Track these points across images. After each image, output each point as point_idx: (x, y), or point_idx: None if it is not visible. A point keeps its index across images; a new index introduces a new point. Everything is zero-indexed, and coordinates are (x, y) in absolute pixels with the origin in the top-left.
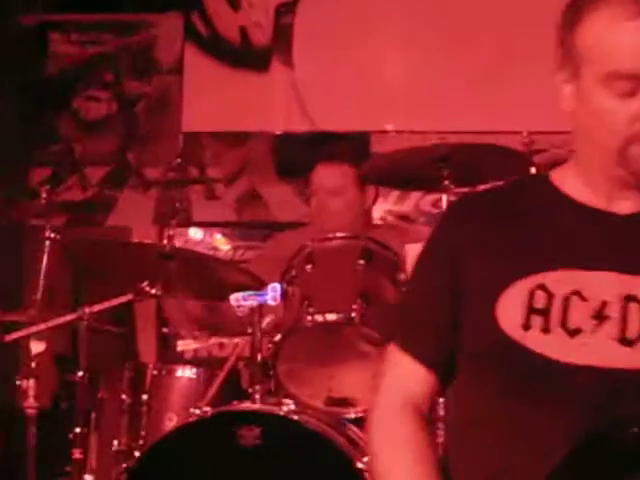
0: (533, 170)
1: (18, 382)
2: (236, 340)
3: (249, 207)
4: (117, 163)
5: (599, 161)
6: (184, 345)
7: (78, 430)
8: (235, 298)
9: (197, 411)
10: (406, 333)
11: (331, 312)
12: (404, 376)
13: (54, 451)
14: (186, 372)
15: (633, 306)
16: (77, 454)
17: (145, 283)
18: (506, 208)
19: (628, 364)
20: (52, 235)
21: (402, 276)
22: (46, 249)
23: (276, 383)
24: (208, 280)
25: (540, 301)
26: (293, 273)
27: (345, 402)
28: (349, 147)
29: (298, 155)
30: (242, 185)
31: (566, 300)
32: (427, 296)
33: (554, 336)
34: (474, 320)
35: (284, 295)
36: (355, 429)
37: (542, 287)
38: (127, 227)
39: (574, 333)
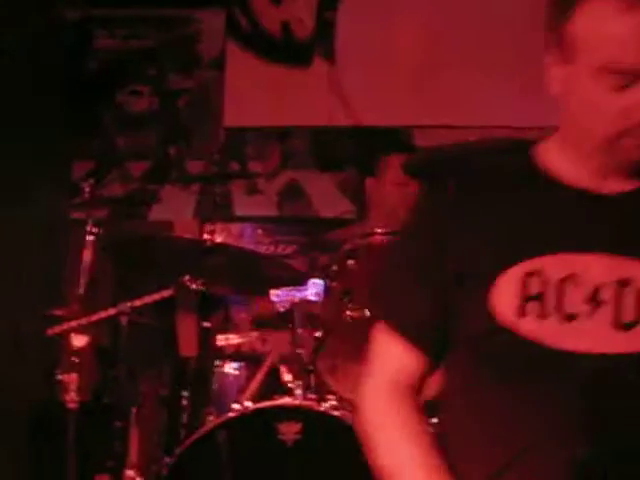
0: None
1: (60, 376)
2: (277, 335)
3: (290, 202)
4: (159, 157)
5: (586, 145)
6: (225, 340)
7: (119, 424)
8: (276, 293)
9: (238, 406)
10: (396, 314)
11: None
12: (396, 357)
13: (95, 445)
14: (227, 367)
15: (627, 290)
16: (118, 448)
17: (186, 278)
18: (492, 188)
19: (624, 348)
20: (94, 229)
21: None
22: (88, 243)
23: (317, 378)
24: (249, 275)
25: (535, 287)
26: (334, 268)
27: None
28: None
29: (339, 149)
30: (283, 179)
31: (560, 285)
32: (416, 278)
33: (549, 322)
34: (469, 306)
35: (326, 290)
36: None
37: (536, 272)
38: (169, 221)
39: (569, 318)
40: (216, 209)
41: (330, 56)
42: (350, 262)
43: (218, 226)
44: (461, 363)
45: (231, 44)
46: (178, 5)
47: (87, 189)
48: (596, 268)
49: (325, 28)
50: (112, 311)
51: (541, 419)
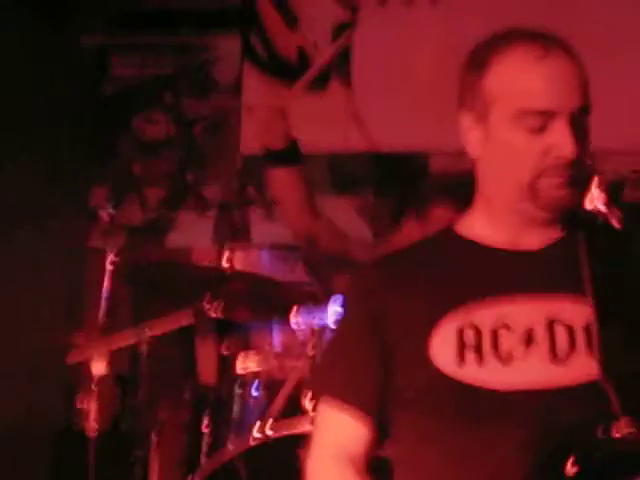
0: None
1: (79, 404)
2: (297, 361)
3: None
4: (175, 184)
5: (508, 199)
6: (244, 366)
7: (139, 452)
8: (296, 320)
9: (259, 434)
10: (339, 383)
11: None
12: (339, 430)
13: (115, 473)
14: (247, 393)
15: (558, 327)
16: (138, 476)
17: (205, 304)
18: (421, 264)
19: (562, 382)
20: (114, 257)
21: None
22: (108, 272)
23: None
24: (269, 301)
25: (470, 337)
26: None
27: None
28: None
29: (356, 173)
30: None
31: (494, 332)
32: (357, 350)
33: (488, 367)
34: (408, 366)
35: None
36: None
37: (469, 324)
38: (186, 248)
39: (507, 361)
40: (233, 235)
41: (347, 81)
42: None
43: (236, 252)
44: (407, 420)
45: (247, 68)
46: (193, 31)
47: (105, 216)
48: (525, 313)
49: (341, 52)
50: (132, 338)
51: (493, 459)
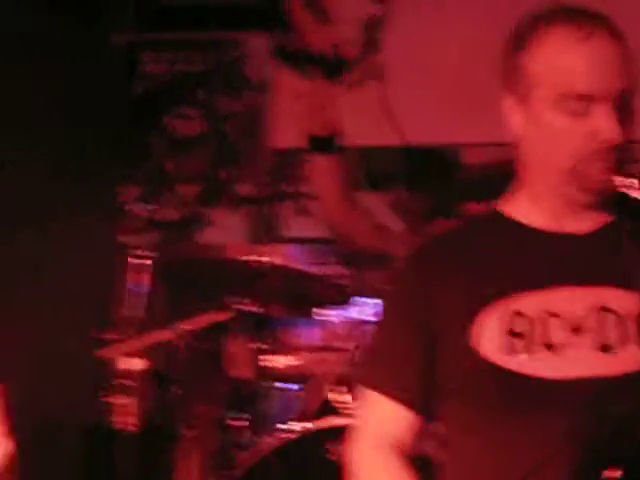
0: None
1: (111, 399)
2: (333, 356)
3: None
4: (208, 180)
5: (551, 183)
6: (277, 361)
7: (175, 447)
8: (332, 315)
9: (295, 427)
10: (384, 377)
11: None
12: (385, 419)
13: (151, 469)
14: (282, 388)
15: (607, 315)
16: (175, 471)
17: (241, 300)
18: (464, 248)
19: (612, 372)
20: (151, 254)
21: None
22: (145, 267)
23: None
24: (303, 296)
25: (517, 324)
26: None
27: None
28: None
29: (389, 168)
30: None
31: (542, 320)
32: (401, 342)
33: (538, 356)
34: (452, 354)
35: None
36: None
37: (516, 311)
38: (221, 244)
39: (555, 350)
40: (267, 231)
41: (379, 75)
42: None
43: (269, 247)
44: (451, 410)
45: (278, 65)
46: (223, 28)
47: (140, 213)
48: (574, 300)
49: (373, 47)
50: (168, 334)
51: (535, 450)
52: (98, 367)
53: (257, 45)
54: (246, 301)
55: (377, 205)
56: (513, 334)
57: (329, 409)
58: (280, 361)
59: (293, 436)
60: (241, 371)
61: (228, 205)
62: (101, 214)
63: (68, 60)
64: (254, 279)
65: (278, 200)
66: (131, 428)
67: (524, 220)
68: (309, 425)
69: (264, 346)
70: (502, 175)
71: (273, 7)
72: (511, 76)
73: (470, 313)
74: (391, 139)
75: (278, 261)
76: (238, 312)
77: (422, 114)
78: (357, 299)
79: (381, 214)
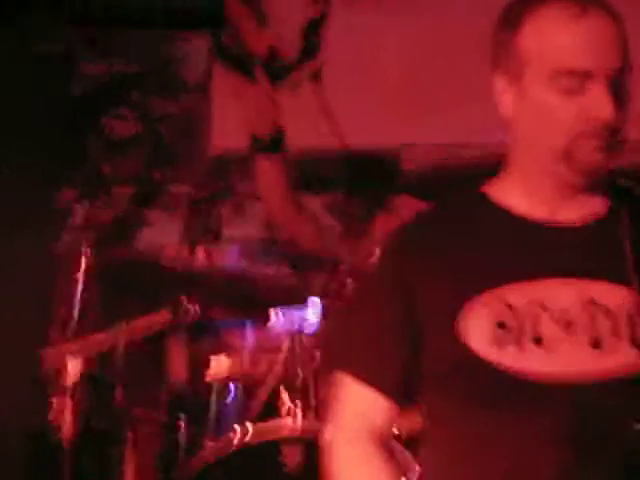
0: None
1: (53, 403)
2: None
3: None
4: (144, 182)
5: (543, 164)
6: (217, 367)
7: (115, 450)
8: (275, 314)
9: (239, 432)
10: (361, 363)
11: None
12: (362, 406)
13: (89, 473)
14: (224, 390)
15: (598, 310)
16: (114, 475)
17: (183, 302)
18: (448, 234)
19: (602, 371)
20: (87, 255)
21: None
22: (81, 269)
23: (317, 400)
24: (246, 297)
25: (505, 318)
26: (334, 288)
27: None
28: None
29: (326, 170)
30: None
31: (530, 312)
32: (380, 326)
33: (527, 350)
34: (437, 344)
35: (324, 310)
36: (399, 447)
37: (504, 304)
38: (157, 246)
39: (546, 344)
40: (204, 233)
41: (317, 78)
42: (349, 281)
43: (209, 249)
44: (437, 399)
45: (218, 67)
46: (162, 29)
47: (77, 214)
48: (562, 293)
49: (312, 50)
50: (108, 339)
51: (522, 446)
52: (40, 370)
53: (196, 46)
54: (187, 303)
55: (314, 208)
56: (501, 327)
57: (272, 411)
58: (220, 366)
59: (238, 439)
60: (180, 375)
61: (164, 207)
62: (39, 216)
63: (3, 62)
64: (195, 281)
65: (216, 201)
66: (70, 432)
67: (514, 207)
68: (254, 434)
69: (205, 348)
70: (440, 175)
71: (213, 8)
72: (502, 55)
73: (456, 303)
74: (329, 141)
75: (219, 263)
76: (179, 314)
77: (361, 116)
78: (302, 302)
79: (319, 216)
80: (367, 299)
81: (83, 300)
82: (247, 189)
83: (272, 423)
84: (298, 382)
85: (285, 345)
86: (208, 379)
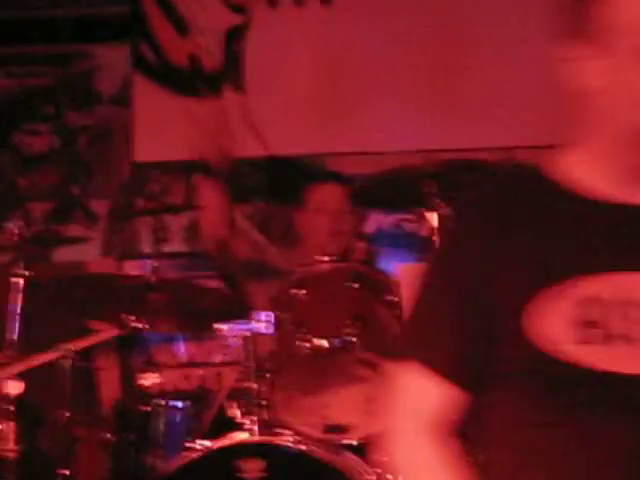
0: None
1: None
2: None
3: (198, 236)
4: (61, 197)
5: (622, 146)
6: (146, 379)
7: (59, 472)
8: (226, 328)
9: (195, 446)
10: (429, 351)
11: (326, 337)
12: (431, 396)
13: None
14: (169, 406)
15: None
16: None
17: (129, 316)
18: (518, 213)
19: None
20: (24, 272)
21: (392, 297)
22: (17, 286)
23: (271, 413)
24: (194, 310)
25: (591, 313)
26: (284, 299)
27: (342, 429)
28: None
29: (248, 180)
30: (191, 215)
31: (617, 307)
32: (450, 311)
33: (614, 348)
34: (506, 337)
35: (276, 322)
36: (354, 457)
37: (588, 297)
38: (80, 261)
39: (634, 342)
40: (125, 247)
41: (240, 87)
42: (300, 292)
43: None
44: (507, 395)
45: (138, 77)
46: (76, 41)
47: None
48: None
49: (234, 59)
50: (53, 355)
51: (601, 449)
52: None
53: (111, 57)
54: (130, 318)
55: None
56: (584, 322)
57: (226, 425)
58: (154, 380)
59: (201, 454)
60: (115, 391)
61: (82, 222)
62: None
63: None
64: (143, 295)
65: (134, 216)
66: (10, 454)
67: (589, 188)
68: (213, 442)
69: (147, 364)
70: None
71: (132, 18)
72: (584, 22)
73: (530, 292)
74: (252, 150)
75: (165, 275)
76: (127, 329)
77: (285, 125)
78: (254, 312)
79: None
80: (433, 284)
81: (22, 318)
82: (167, 202)
83: (227, 438)
84: (250, 396)
85: (235, 358)
86: (146, 391)
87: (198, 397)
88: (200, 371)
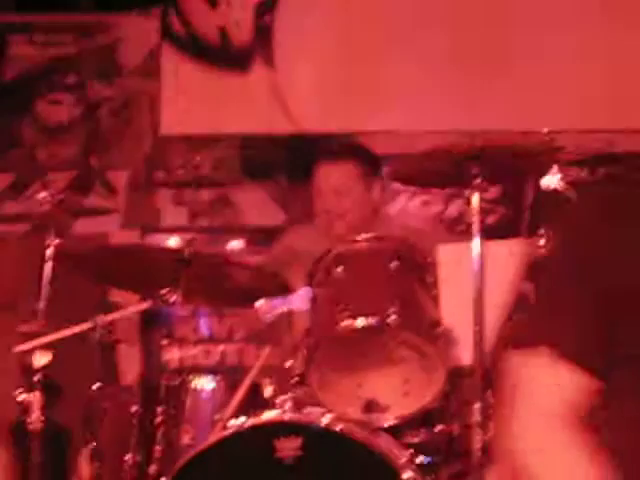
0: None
1: (21, 395)
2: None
3: (219, 211)
4: (81, 168)
5: None
6: (169, 354)
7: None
8: (262, 304)
9: (229, 424)
10: (562, 338)
11: (365, 316)
12: (562, 382)
13: (60, 466)
14: (201, 382)
15: None
16: (84, 468)
17: (164, 290)
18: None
19: None
20: (54, 241)
21: (431, 278)
22: (49, 257)
23: (307, 392)
24: (230, 286)
25: None
26: (320, 276)
27: (378, 410)
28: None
29: (270, 157)
30: (213, 189)
31: None
32: (579, 296)
33: None
34: (631, 319)
35: (312, 299)
36: (390, 438)
37: None
38: (102, 233)
39: None
40: (144, 219)
41: (269, 61)
42: (337, 269)
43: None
44: (624, 380)
45: (166, 48)
46: (101, 10)
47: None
48: None
49: (263, 32)
50: (84, 326)
51: None
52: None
53: (140, 28)
54: (167, 291)
55: (258, 196)
56: None
57: (258, 403)
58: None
59: (236, 431)
60: (141, 366)
61: (101, 193)
62: None
63: None
64: (178, 269)
65: (155, 188)
66: (36, 425)
67: None
68: (249, 420)
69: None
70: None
71: None
72: None
73: None
74: (280, 127)
75: (203, 250)
76: (162, 303)
77: (315, 101)
78: (291, 289)
79: (262, 205)
80: (564, 272)
81: (53, 289)
82: (187, 177)
83: (262, 415)
84: (284, 374)
85: (272, 335)
86: (185, 369)
87: (232, 373)
88: (232, 346)
